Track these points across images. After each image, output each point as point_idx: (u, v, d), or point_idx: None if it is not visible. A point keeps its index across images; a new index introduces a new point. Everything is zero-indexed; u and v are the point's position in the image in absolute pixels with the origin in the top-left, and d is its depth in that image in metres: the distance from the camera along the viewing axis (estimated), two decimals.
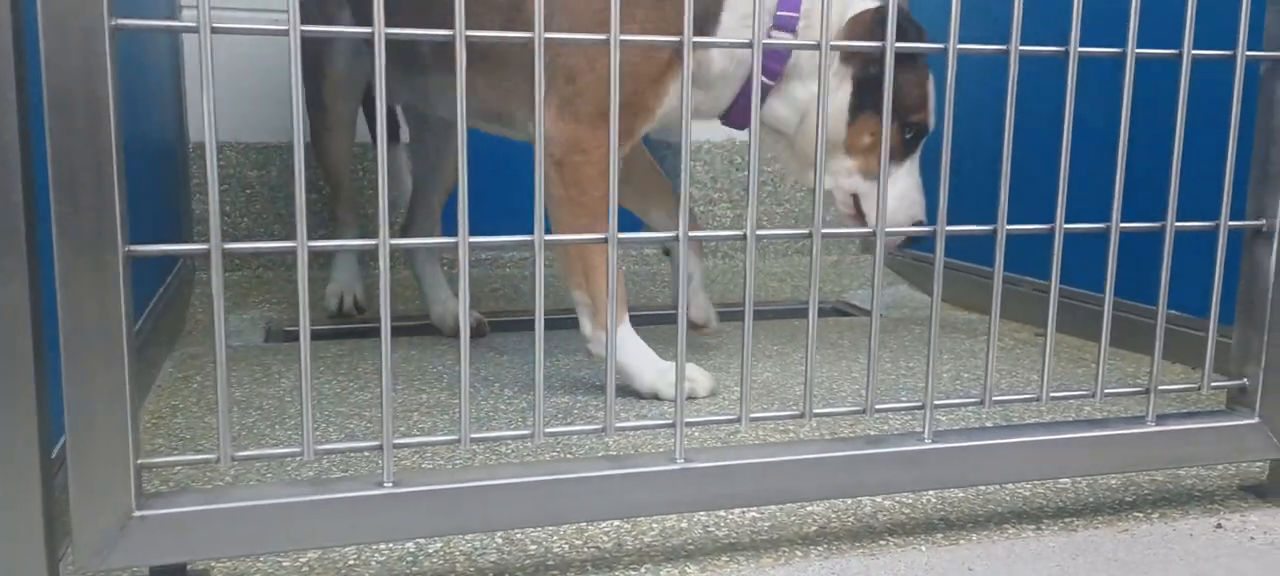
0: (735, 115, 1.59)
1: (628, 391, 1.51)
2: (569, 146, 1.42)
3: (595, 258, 1.47)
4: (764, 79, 1.53)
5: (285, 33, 0.77)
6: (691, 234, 0.92)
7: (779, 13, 1.49)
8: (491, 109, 1.60)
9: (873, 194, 1.54)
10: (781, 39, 1.49)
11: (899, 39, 1.29)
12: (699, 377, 1.54)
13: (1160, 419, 1.09)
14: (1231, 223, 1.08)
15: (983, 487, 1.16)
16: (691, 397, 1.52)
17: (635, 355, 1.51)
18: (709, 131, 2.80)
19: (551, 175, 1.43)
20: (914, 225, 1.57)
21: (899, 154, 1.57)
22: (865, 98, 1.51)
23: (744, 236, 0.93)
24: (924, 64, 1.58)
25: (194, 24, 0.75)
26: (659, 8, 1.39)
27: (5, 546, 0.76)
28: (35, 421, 0.75)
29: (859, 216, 1.58)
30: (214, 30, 0.75)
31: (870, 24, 1.50)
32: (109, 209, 0.74)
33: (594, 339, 1.50)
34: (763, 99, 1.54)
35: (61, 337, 0.75)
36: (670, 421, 0.94)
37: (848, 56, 1.51)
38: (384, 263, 0.83)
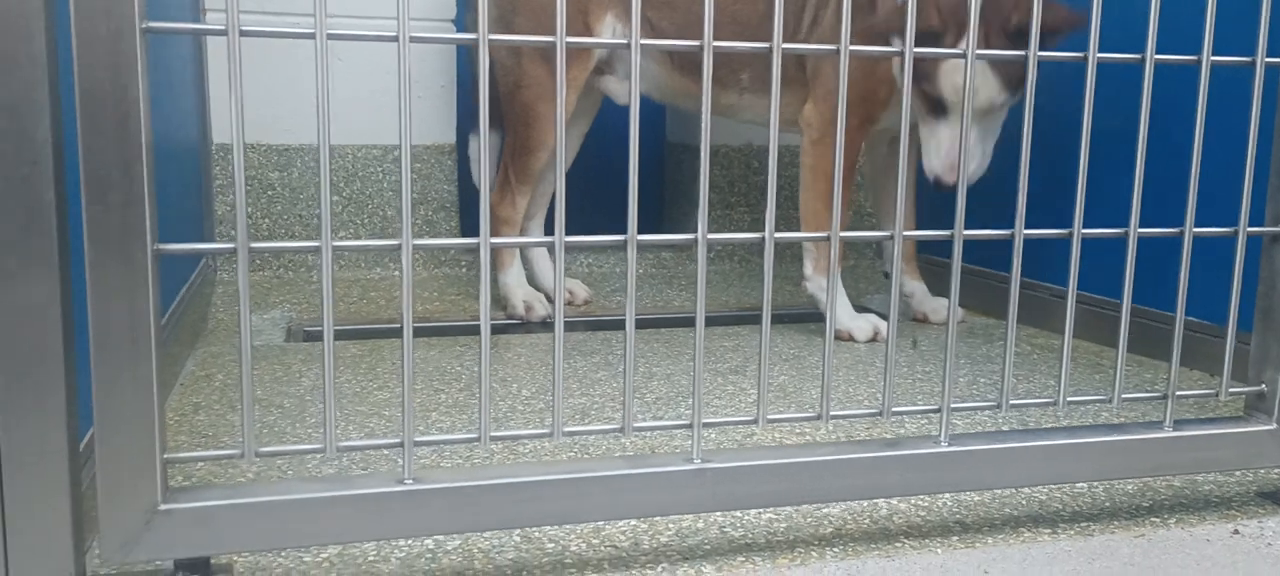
0: None
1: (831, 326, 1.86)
2: (822, 129, 1.93)
3: (825, 213, 1.90)
4: None
5: (312, 36, 0.78)
6: (710, 236, 0.93)
7: None
8: (785, 116, 1.98)
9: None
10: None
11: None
12: (863, 326, 1.96)
13: (1178, 424, 1.09)
14: (1250, 228, 1.08)
15: (999, 491, 1.17)
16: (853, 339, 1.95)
17: (837, 300, 1.92)
18: (727, 136, 2.81)
19: (808, 148, 1.95)
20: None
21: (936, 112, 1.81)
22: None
23: (762, 239, 0.93)
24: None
25: (222, 27, 0.76)
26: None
27: (34, 538, 0.77)
28: (64, 415, 0.77)
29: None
30: (242, 33, 0.76)
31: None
32: (138, 208, 0.76)
33: (811, 280, 1.98)
34: None
35: (91, 334, 0.76)
36: (687, 422, 0.95)
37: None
38: (406, 261, 0.84)
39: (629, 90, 2.09)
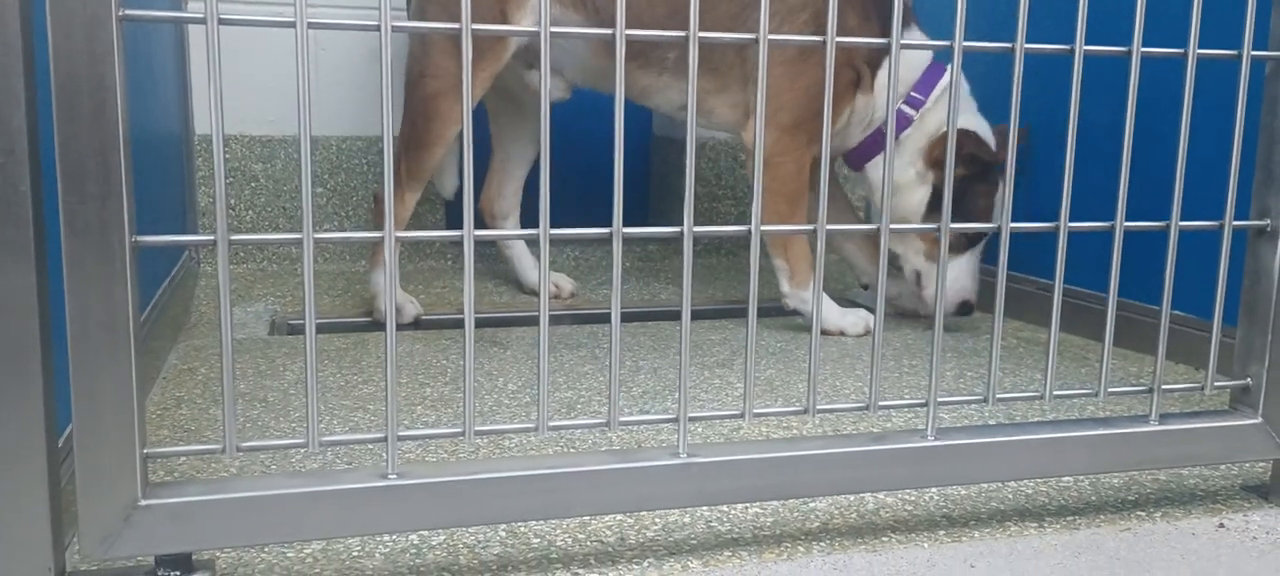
0: (853, 155, 1.99)
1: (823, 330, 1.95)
2: (772, 149, 1.84)
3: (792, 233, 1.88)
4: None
5: (292, 25, 0.77)
6: (696, 229, 0.92)
7: (911, 93, 1.91)
8: (701, 105, 1.98)
9: (933, 275, 2.00)
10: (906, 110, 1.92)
11: (971, 164, 1.90)
12: (855, 321, 1.95)
13: (1163, 418, 1.09)
14: (1236, 222, 1.08)
15: (986, 485, 1.17)
16: (845, 335, 1.95)
17: (824, 305, 1.94)
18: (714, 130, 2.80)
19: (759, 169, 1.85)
20: (959, 299, 1.97)
21: (962, 245, 1.95)
22: (940, 203, 1.88)
23: (748, 232, 0.93)
24: (996, 177, 1.93)
25: (201, 16, 0.75)
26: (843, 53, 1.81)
27: (12, 535, 0.76)
28: (42, 411, 0.76)
29: (919, 291, 2.02)
30: (221, 22, 0.75)
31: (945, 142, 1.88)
32: (116, 199, 0.74)
33: (791, 295, 1.93)
34: (871, 157, 1.97)
35: (68, 327, 0.75)
36: (673, 416, 0.94)
37: (934, 166, 1.90)
38: (389, 253, 0.83)
39: (559, 84, 2.06)
